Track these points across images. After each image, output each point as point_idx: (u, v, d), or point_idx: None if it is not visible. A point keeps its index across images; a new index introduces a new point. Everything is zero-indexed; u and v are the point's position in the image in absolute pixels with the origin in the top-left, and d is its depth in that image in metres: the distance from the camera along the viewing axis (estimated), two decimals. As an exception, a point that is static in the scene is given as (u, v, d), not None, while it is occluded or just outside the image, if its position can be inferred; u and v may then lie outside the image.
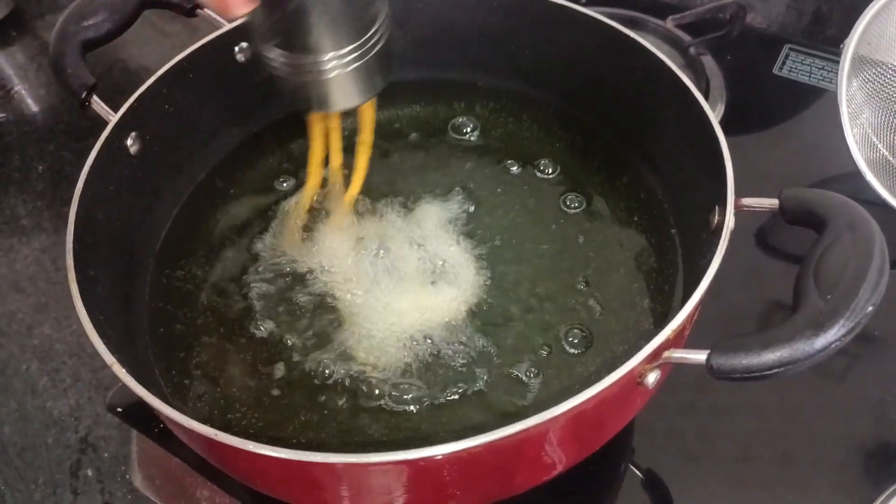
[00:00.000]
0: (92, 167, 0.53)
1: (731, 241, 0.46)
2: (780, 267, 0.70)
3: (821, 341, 0.38)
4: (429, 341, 0.56)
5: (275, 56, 0.47)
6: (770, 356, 0.38)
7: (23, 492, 0.63)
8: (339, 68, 0.47)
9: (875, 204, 0.69)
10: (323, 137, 0.58)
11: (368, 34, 0.47)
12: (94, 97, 0.59)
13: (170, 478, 0.61)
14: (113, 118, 0.57)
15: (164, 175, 0.64)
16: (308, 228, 0.63)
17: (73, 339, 0.72)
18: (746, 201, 0.49)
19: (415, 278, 0.59)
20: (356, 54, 0.47)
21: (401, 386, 0.54)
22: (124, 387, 0.44)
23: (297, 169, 0.69)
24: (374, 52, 0.48)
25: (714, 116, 0.53)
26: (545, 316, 0.57)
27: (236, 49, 0.65)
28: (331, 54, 0.46)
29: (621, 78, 0.63)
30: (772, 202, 0.48)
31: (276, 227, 0.64)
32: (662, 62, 0.58)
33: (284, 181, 0.68)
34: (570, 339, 0.56)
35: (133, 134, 0.59)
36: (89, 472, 0.64)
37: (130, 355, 0.52)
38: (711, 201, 0.51)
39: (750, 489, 0.58)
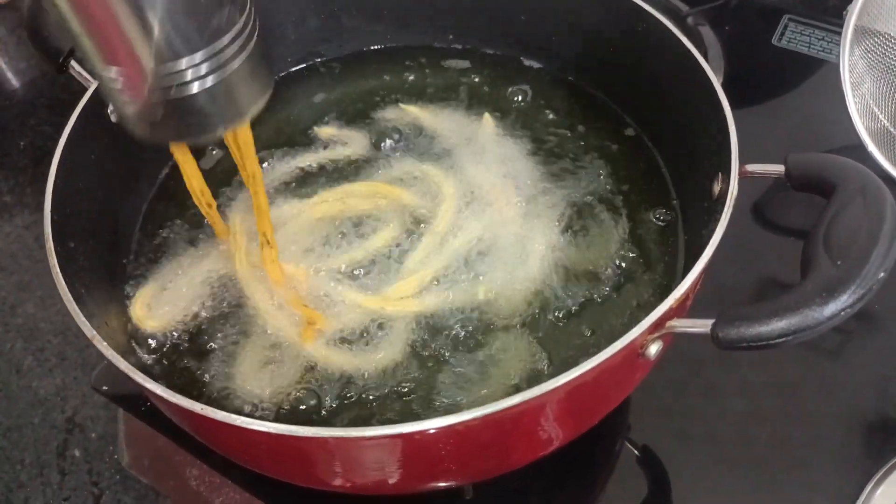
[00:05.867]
0: (71, 134, 0.52)
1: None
2: (775, 241, 0.70)
3: (831, 308, 0.37)
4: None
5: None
6: (779, 324, 0.37)
7: (9, 472, 0.63)
8: (197, 80, 0.39)
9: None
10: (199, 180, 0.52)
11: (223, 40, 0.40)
12: (73, 62, 0.56)
13: (158, 457, 0.60)
14: (93, 83, 0.55)
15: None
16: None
17: (59, 318, 0.71)
18: (751, 167, 0.47)
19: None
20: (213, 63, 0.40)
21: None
22: (109, 364, 0.42)
23: (293, 130, 0.67)
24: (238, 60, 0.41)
25: (717, 81, 0.51)
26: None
27: None
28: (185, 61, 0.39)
29: (621, 44, 0.62)
30: (777, 168, 0.47)
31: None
32: (664, 26, 0.57)
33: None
34: (569, 311, 0.54)
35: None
36: (76, 453, 0.63)
37: (114, 330, 0.50)
38: (714, 169, 0.50)
39: (747, 466, 0.57)
